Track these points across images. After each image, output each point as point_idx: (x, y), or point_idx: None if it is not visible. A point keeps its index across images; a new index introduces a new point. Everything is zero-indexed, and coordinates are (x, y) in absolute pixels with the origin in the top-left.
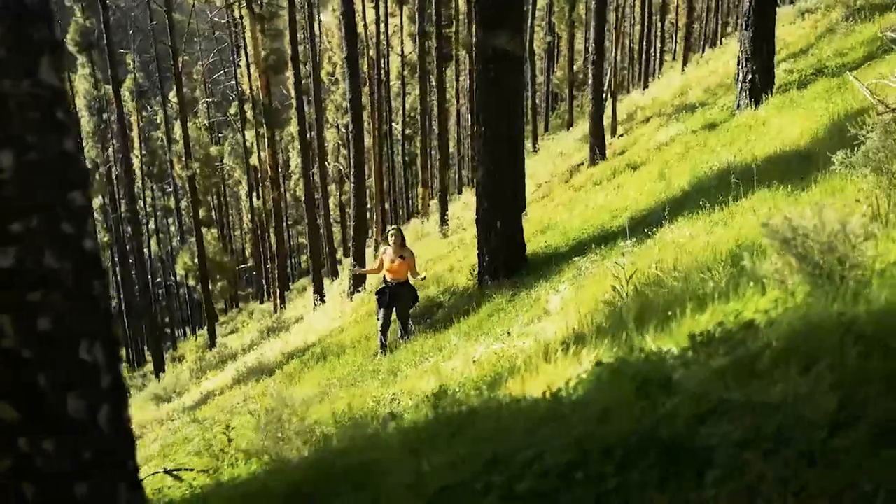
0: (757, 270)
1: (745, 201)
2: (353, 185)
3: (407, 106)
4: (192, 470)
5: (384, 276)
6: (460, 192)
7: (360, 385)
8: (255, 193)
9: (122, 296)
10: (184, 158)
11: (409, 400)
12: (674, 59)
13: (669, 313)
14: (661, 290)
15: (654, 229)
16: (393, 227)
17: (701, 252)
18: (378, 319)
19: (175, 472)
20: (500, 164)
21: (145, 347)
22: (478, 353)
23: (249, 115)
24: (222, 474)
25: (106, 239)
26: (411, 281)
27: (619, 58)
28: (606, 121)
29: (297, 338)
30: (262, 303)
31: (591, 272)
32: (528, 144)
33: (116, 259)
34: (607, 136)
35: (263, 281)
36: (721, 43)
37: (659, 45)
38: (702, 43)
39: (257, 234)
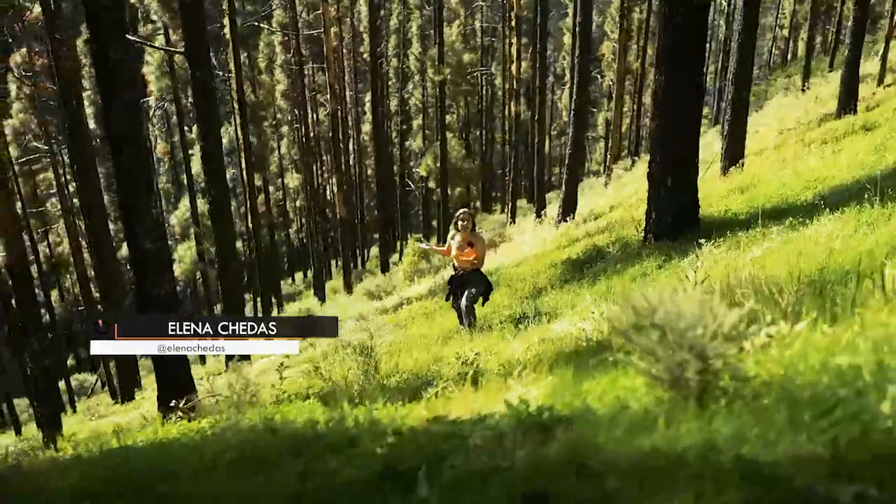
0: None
1: None
2: (571, 114)
3: None
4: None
5: (453, 264)
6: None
7: (482, 332)
8: (511, 103)
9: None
10: (437, 63)
11: (487, 360)
12: None
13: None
14: None
15: (815, 217)
16: (463, 210)
17: (802, 263)
18: (454, 309)
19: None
20: (678, 116)
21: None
22: (559, 329)
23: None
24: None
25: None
26: (482, 269)
27: None
28: (875, 68)
29: (497, 259)
30: (502, 212)
31: (727, 254)
32: (799, 82)
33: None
34: (871, 87)
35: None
36: None
37: None
38: None
39: (504, 144)
